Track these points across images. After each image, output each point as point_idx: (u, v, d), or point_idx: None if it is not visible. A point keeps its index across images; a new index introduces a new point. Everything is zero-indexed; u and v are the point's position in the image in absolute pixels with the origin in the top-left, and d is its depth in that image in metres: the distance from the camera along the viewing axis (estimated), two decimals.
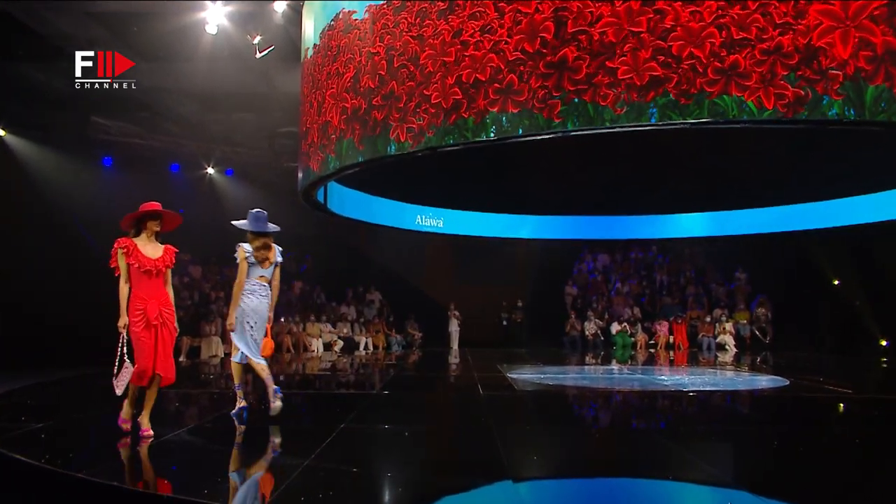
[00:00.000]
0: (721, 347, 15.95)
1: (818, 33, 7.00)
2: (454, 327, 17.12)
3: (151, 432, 5.15)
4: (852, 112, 7.01)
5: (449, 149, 8.13)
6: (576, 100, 7.21)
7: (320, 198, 12.94)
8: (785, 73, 6.93)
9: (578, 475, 4.59)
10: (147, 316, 5.08)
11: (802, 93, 6.92)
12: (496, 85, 7.60)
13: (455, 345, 16.97)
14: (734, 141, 12.03)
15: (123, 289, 5.11)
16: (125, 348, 5.08)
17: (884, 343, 14.82)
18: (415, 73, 8.30)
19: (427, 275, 17.73)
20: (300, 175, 11.87)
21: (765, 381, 9.67)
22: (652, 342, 16.68)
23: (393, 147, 8.47)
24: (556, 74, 7.33)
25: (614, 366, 13.03)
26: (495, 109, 7.59)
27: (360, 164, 9.20)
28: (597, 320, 17.30)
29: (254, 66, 13.07)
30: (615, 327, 17.07)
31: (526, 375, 10.18)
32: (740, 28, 7.08)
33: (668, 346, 16.34)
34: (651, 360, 13.89)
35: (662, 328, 16.62)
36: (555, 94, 7.29)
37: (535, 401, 8.20)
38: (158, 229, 5.29)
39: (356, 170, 9.66)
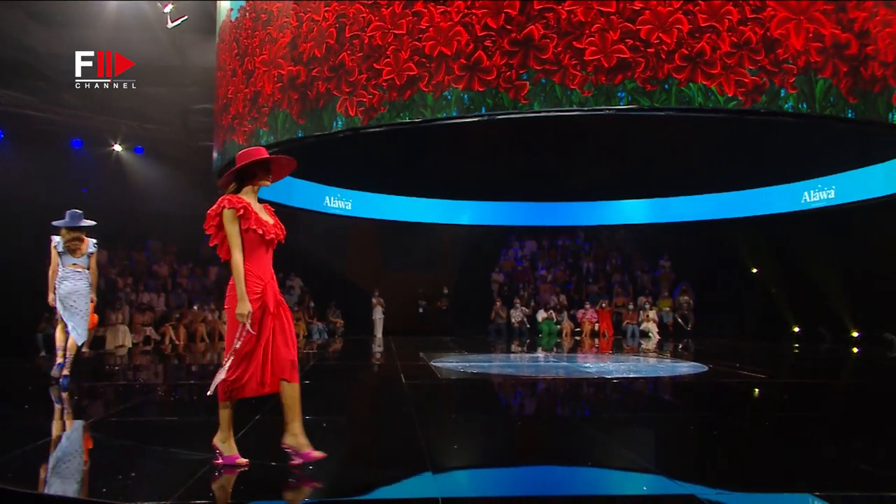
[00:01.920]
0: (644, 335, 16.12)
1: (775, 23, 7.15)
2: (378, 315, 16.71)
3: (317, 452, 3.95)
4: (804, 105, 7.19)
5: (404, 126, 7.82)
6: (543, 80, 7.01)
7: None
8: (752, 67, 7.11)
9: (499, 464, 4.49)
10: (265, 302, 3.83)
11: (761, 81, 7.07)
12: (462, 61, 7.27)
13: (379, 333, 16.59)
14: (660, 129, 12.02)
15: (241, 263, 3.77)
16: (239, 343, 3.82)
17: (796, 329, 15.27)
18: (365, 45, 7.86)
19: (351, 261, 17.21)
20: (216, 153, 11.17)
21: (685, 368, 9.83)
22: (577, 330, 16.73)
23: (341, 122, 8.00)
24: (522, 52, 7.09)
25: (539, 353, 12.97)
26: (460, 87, 7.26)
27: (299, 139, 8.67)
28: (523, 308, 17.22)
29: (165, 38, 12.28)
30: (541, 315, 17.04)
31: (450, 364, 10.00)
32: (711, 16, 7.14)
33: (594, 334, 16.41)
34: (576, 348, 13.90)
35: (588, 316, 16.67)
36: (521, 73, 7.05)
37: (458, 389, 8.07)
38: (269, 183, 4.03)
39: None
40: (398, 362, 10.54)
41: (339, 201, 15.77)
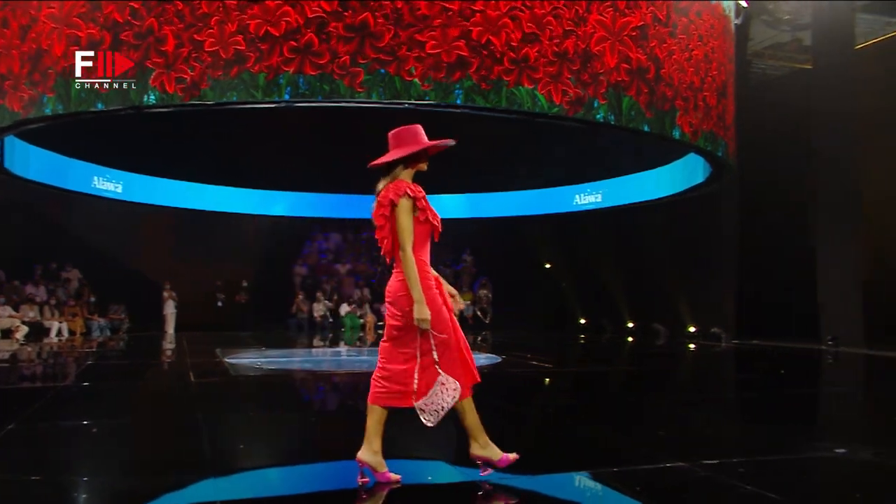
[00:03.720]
0: None
1: (595, 40, 7.74)
2: (170, 309, 15.53)
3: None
4: (612, 117, 7.88)
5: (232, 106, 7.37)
6: (382, 70, 6.88)
7: None
8: (569, 76, 7.56)
9: (288, 463, 4.36)
10: (445, 300, 3.36)
11: (582, 93, 7.59)
12: (292, 42, 6.91)
13: (171, 329, 15.43)
14: (470, 126, 12.36)
15: (414, 261, 3.24)
16: (437, 354, 3.28)
17: (582, 321, 16.50)
18: (184, 13, 7.10)
19: (139, 250, 15.78)
20: None
21: (482, 359, 10.24)
22: (380, 323, 16.72)
23: (154, 97, 7.26)
24: (357, 39, 6.92)
25: (341, 348, 12.82)
26: (290, 69, 6.90)
27: (101, 112, 7.82)
28: (326, 301, 16.92)
29: None
30: (344, 308, 16.85)
31: (245, 360, 9.64)
32: (535, 24, 7.51)
33: None
34: (379, 342, 13.84)
35: None
36: (358, 60, 6.88)
37: (252, 387, 7.77)
38: (425, 167, 3.49)
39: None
40: (189, 360, 9.95)
41: (108, 183, 14.36)
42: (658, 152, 12.35)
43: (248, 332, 15.12)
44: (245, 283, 16.99)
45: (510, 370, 9.02)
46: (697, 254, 13.82)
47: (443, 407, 3.28)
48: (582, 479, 3.68)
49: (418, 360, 3.28)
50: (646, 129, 8.43)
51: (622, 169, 14.45)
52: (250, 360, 9.73)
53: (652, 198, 13.89)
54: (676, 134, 8.90)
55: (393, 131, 3.44)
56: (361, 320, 16.79)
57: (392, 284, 3.37)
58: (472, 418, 3.41)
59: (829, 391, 8.01)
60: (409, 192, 3.27)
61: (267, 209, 17.06)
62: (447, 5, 7.05)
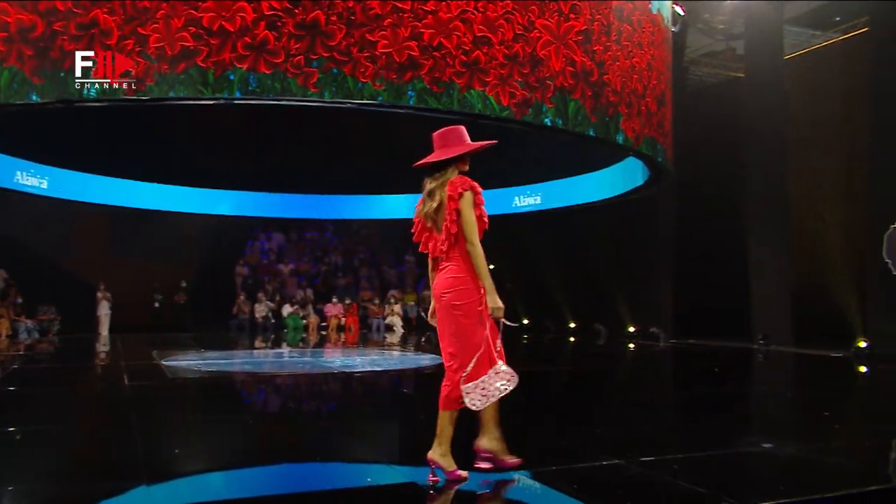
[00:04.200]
0: (389, 329, 16.46)
1: (541, 44, 7.86)
2: (104, 310, 15.03)
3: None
4: (559, 121, 8.03)
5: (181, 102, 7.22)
6: (335, 70, 6.83)
7: None
8: (519, 79, 7.68)
9: (223, 467, 4.23)
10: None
11: (529, 96, 7.69)
12: (246, 39, 6.78)
13: (105, 330, 14.94)
14: (415, 126, 12.35)
15: (482, 252, 3.30)
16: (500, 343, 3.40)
17: (525, 321, 16.66)
18: (125, 5, 6.93)
19: (71, 249, 15.22)
20: None
21: (426, 360, 10.28)
22: (324, 324, 16.59)
23: (94, 90, 7.02)
24: (309, 37, 6.85)
25: (284, 349, 12.65)
26: (244, 66, 6.78)
27: (36, 104, 7.46)
28: (268, 302, 16.66)
29: None
30: (287, 309, 16.62)
31: (183, 362, 9.45)
32: (486, 28, 7.60)
33: (340, 328, 16.39)
34: (322, 343, 13.78)
35: (334, 310, 16.61)
36: (311, 59, 6.84)
37: (189, 390, 7.61)
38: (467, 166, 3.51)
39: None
40: (123, 362, 9.66)
41: (33, 178, 13.79)
42: (594, 156, 12.56)
43: (188, 334, 14.77)
44: (184, 284, 16.58)
45: None
46: (636, 256, 14.12)
47: (492, 393, 3.33)
48: (521, 478, 3.70)
49: (482, 347, 3.32)
50: (591, 133, 8.61)
51: (561, 171, 14.65)
52: (188, 362, 9.53)
53: (590, 200, 14.13)
54: (620, 139, 9.12)
55: (438, 132, 3.52)
56: (304, 321, 16.58)
57: (444, 280, 3.42)
58: (492, 410, 3.46)
59: (759, 389, 8.31)
60: (473, 187, 3.37)
61: (207, 208, 16.68)
62: (400, 5, 7.05)
